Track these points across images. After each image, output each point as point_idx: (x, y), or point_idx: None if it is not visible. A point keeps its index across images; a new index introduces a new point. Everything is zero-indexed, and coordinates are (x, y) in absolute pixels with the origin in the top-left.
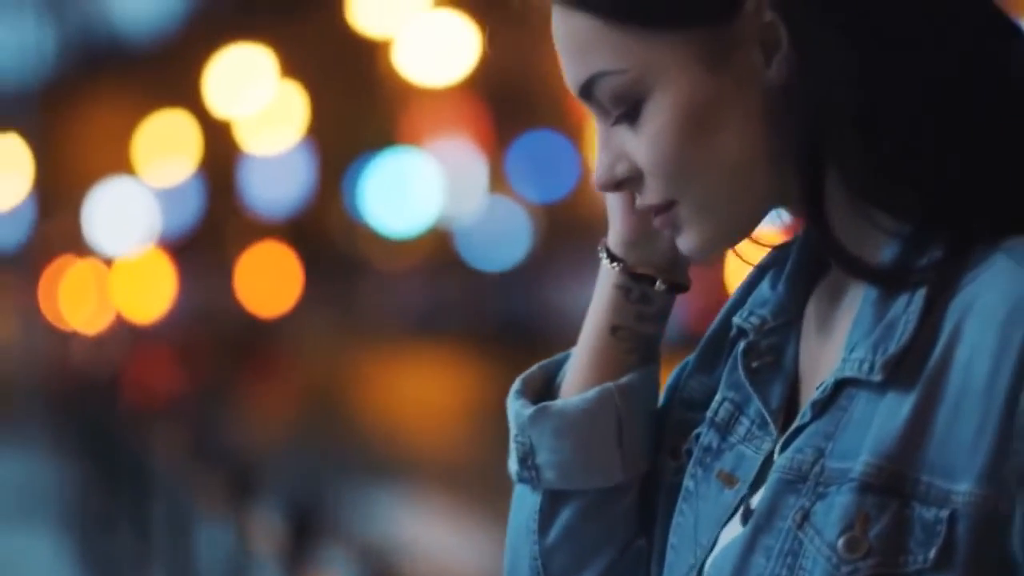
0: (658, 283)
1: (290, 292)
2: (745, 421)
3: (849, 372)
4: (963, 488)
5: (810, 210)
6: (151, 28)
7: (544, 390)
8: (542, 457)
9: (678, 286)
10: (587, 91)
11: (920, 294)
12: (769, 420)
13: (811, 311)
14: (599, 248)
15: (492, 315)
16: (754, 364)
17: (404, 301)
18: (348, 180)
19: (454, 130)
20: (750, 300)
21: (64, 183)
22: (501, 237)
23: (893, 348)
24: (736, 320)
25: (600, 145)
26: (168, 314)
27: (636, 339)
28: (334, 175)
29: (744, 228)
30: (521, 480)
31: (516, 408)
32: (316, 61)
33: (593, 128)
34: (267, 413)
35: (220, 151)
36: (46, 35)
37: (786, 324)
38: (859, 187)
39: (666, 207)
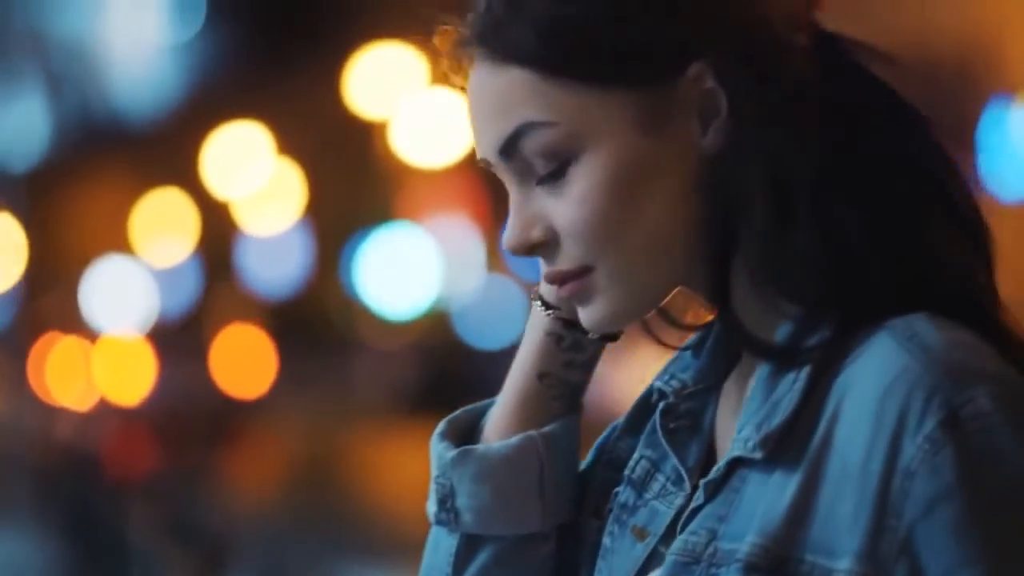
0: (590, 332)
1: (267, 372)
2: (660, 478)
3: (737, 451)
4: (843, 566)
5: (714, 283)
6: (148, 108)
7: (468, 434)
8: (461, 500)
9: (609, 335)
10: (511, 146)
11: (804, 373)
12: (684, 476)
13: (730, 384)
14: (532, 294)
15: (489, 394)
16: (671, 425)
17: (400, 380)
18: (345, 259)
19: (452, 208)
20: (673, 366)
21: (60, 262)
22: (499, 315)
23: (772, 426)
24: (657, 383)
25: (514, 209)
26: (150, 394)
27: (563, 386)
28: (331, 254)
29: (652, 302)
30: (439, 522)
31: (439, 450)
32: (313, 140)
33: None
34: (247, 492)
35: (217, 230)
36: (43, 115)
37: (705, 390)
38: (759, 267)
39: (580, 273)
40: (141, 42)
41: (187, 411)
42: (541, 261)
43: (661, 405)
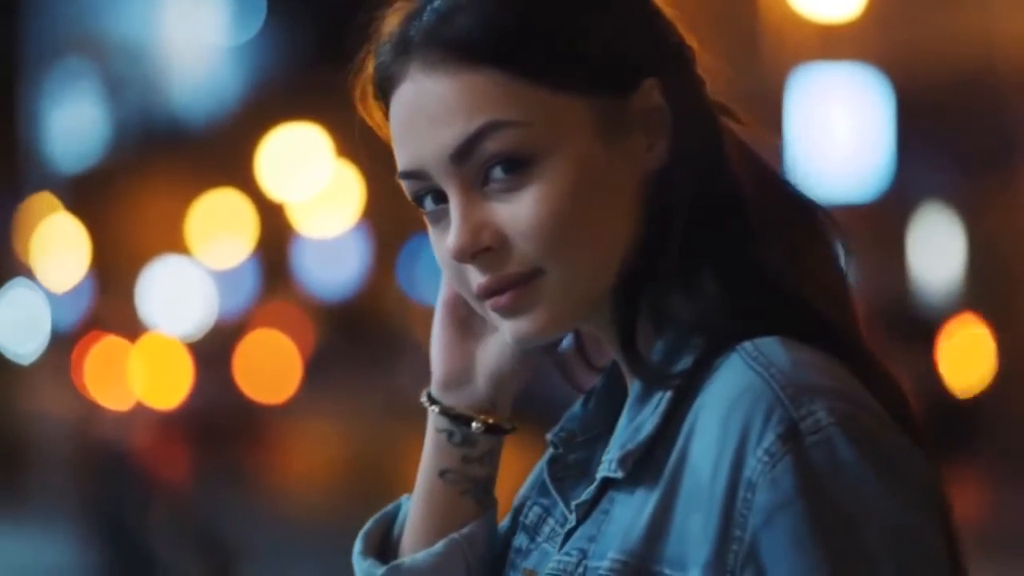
0: (475, 424)
1: (291, 377)
2: (551, 522)
3: (603, 472)
4: None
5: (629, 297)
6: (206, 109)
7: (383, 544)
8: None
9: (498, 428)
10: (468, 149)
11: (666, 397)
12: (568, 516)
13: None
14: (422, 393)
15: (546, 398)
16: (559, 474)
17: None
18: (402, 261)
19: None
20: (564, 417)
21: (117, 262)
22: None
23: (630, 447)
24: (549, 436)
25: (459, 214)
26: (187, 398)
27: (466, 481)
28: (388, 257)
29: (584, 314)
30: None
31: (365, 568)
32: (371, 142)
33: None
34: (286, 495)
35: (273, 232)
36: (102, 116)
37: (595, 438)
38: (660, 285)
39: (529, 277)
40: (200, 44)
41: (227, 413)
42: (472, 273)
43: (548, 454)
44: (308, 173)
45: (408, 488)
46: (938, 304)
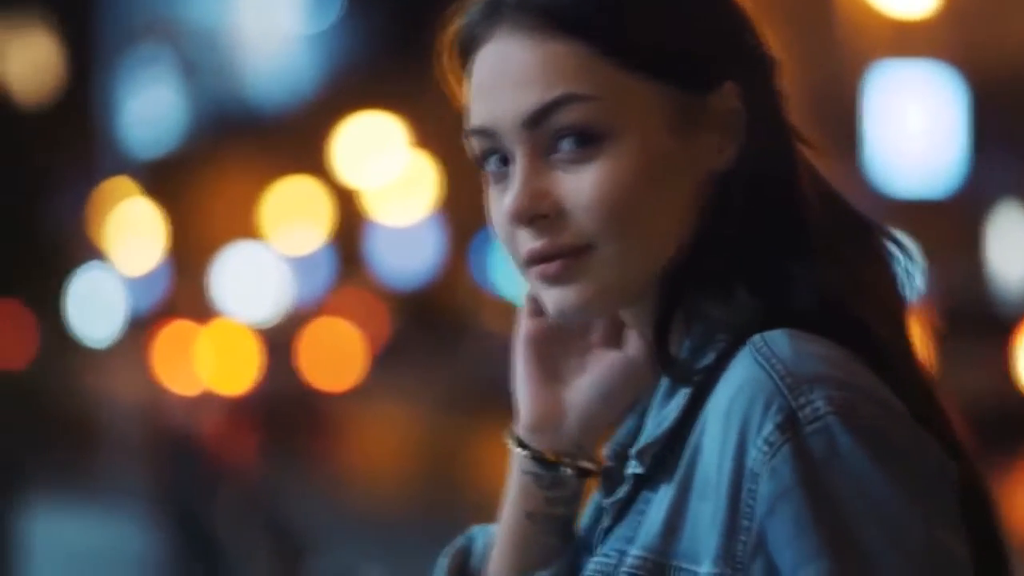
0: (563, 469)
1: (357, 365)
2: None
3: (631, 468)
4: (705, 570)
5: (673, 291)
6: (282, 96)
7: (465, 573)
8: None
9: (585, 470)
10: (542, 117)
11: (685, 393)
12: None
13: None
14: (507, 435)
15: None
16: (611, 487)
17: None
18: (476, 250)
19: None
20: (617, 432)
21: (194, 248)
22: None
23: (648, 440)
24: (603, 451)
25: (523, 178)
26: (256, 385)
27: (552, 522)
28: (462, 246)
29: (630, 297)
30: None
31: None
32: (449, 132)
33: None
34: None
35: (347, 219)
36: (178, 103)
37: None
38: (696, 283)
39: (581, 250)
40: (277, 31)
41: (294, 400)
42: (524, 238)
43: (604, 468)
44: (383, 161)
45: (472, 480)
46: (1013, 301)
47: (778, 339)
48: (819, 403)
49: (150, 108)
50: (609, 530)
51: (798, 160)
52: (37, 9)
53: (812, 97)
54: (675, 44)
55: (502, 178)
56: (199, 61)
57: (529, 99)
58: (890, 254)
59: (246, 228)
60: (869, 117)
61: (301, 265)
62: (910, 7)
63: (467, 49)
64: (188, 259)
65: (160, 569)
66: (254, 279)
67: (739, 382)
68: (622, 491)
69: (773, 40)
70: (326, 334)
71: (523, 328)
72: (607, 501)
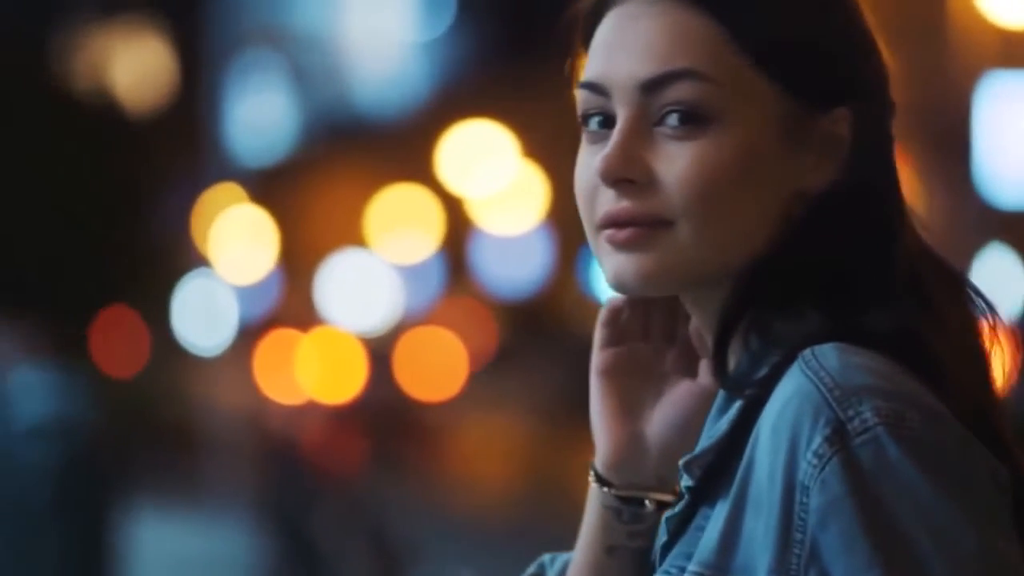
0: (647, 503)
1: (459, 375)
2: None
3: (683, 482)
4: None
5: (742, 302)
6: (393, 104)
7: None
8: None
9: (666, 503)
10: (660, 84)
11: (737, 406)
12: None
13: None
14: (590, 470)
15: None
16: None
17: None
18: (584, 261)
19: None
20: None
21: (301, 256)
22: None
23: (698, 451)
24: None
25: (622, 138)
26: (360, 393)
27: (631, 555)
28: (569, 257)
29: (694, 280)
30: None
31: None
32: (559, 143)
33: None
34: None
35: (454, 228)
36: (288, 110)
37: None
38: (764, 300)
39: (658, 222)
40: (388, 39)
41: (397, 409)
42: (604, 199)
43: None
44: (491, 170)
45: (573, 490)
46: None
47: (827, 352)
48: (867, 414)
49: (259, 115)
50: (668, 546)
51: (897, 201)
52: (146, 16)
53: (923, 108)
54: (805, 51)
55: (600, 138)
56: (308, 68)
57: (649, 64)
58: (975, 305)
59: (353, 236)
60: (979, 128)
61: (408, 273)
62: (1022, 18)
63: (598, 12)
64: (295, 267)
65: (264, 575)
66: (361, 288)
67: (787, 395)
68: (679, 506)
69: (896, 82)
70: (430, 343)
71: (596, 360)
72: (665, 516)
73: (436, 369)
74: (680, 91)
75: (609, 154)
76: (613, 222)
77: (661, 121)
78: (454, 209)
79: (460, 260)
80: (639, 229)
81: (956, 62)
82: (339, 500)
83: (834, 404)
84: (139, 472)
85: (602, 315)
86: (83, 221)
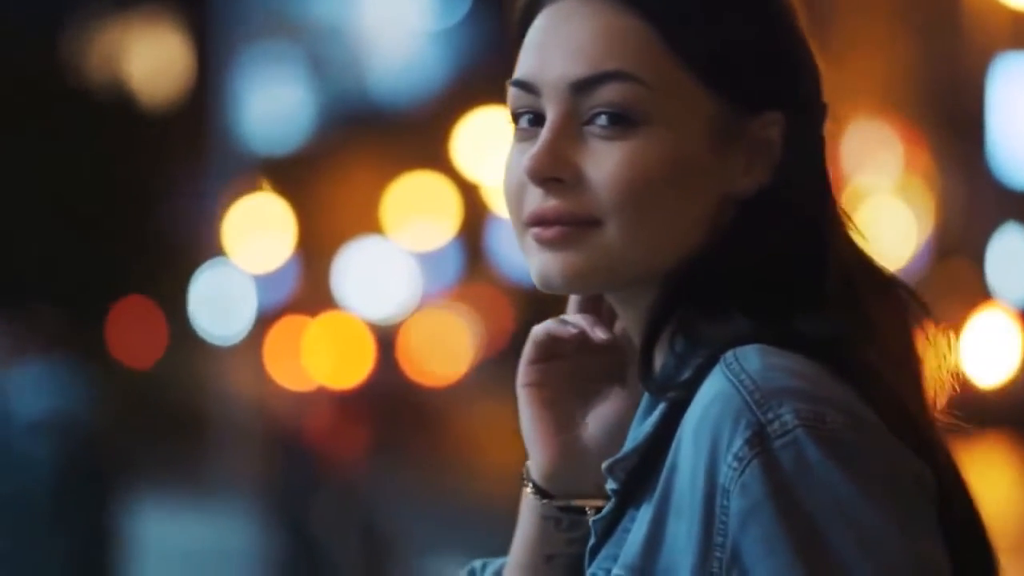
0: (587, 511)
1: (462, 359)
2: None
3: (607, 484)
4: None
5: (668, 306)
6: (409, 92)
7: None
8: None
9: (603, 508)
10: (590, 85)
11: (660, 408)
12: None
13: None
14: (523, 477)
15: None
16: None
17: None
18: None
19: None
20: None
21: (319, 244)
22: None
23: (621, 454)
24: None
25: (551, 137)
26: (367, 380)
27: (569, 559)
28: None
29: (619, 281)
30: None
31: None
32: None
33: None
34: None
35: (470, 215)
36: (305, 99)
37: None
38: (693, 302)
39: (585, 222)
40: (403, 27)
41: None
42: (532, 198)
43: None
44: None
45: None
46: None
47: (749, 354)
48: (787, 416)
49: (275, 104)
50: (596, 548)
51: (828, 205)
52: (161, 7)
53: (937, 91)
54: (736, 55)
55: (529, 136)
56: (324, 57)
57: (580, 65)
58: (908, 312)
59: (370, 224)
60: (992, 109)
61: (426, 260)
62: None
63: (532, 10)
64: (312, 255)
65: (271, 567)
66: (378, 275)
67: (709, 398)
68: (605, 509)
69: (828, 89)
70: (438, 328)
71: (523, 374)
72: (592, 519)
73: (443, 354)
74: (610, 92)
75: (537, 153)
76: (540, 220)
77: (591, 121)
78: (471, 196)
79: (477, 247)
80: (566, 228)
81: (969, 45)
82: (339, 489)
83: (754, 407)
84: (150, 464)
85: (538, 336)
86: (98, 213)
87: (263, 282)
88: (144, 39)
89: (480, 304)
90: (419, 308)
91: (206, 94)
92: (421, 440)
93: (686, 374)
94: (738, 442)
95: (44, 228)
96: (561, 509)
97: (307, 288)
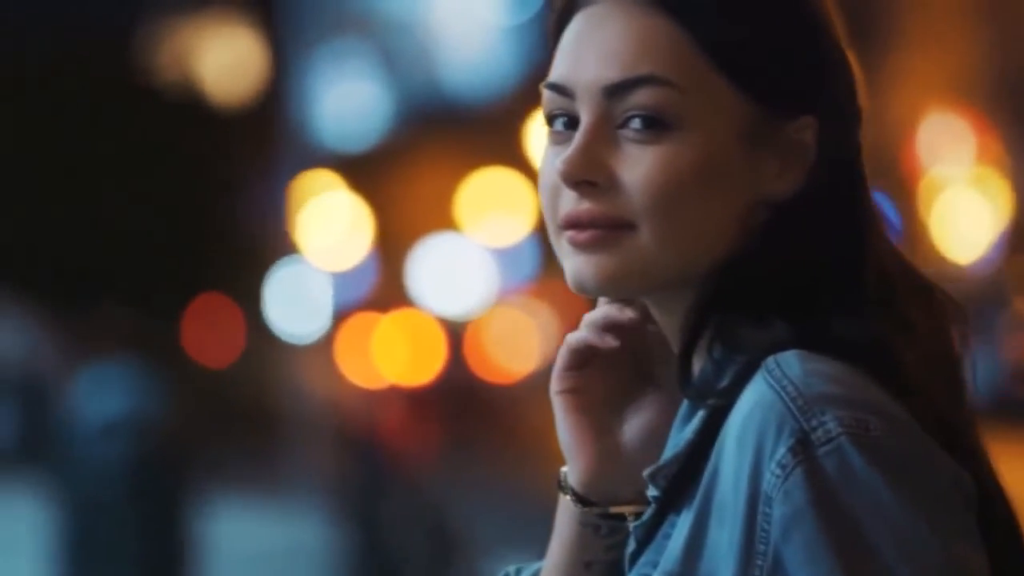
0: (628, 518)
1: (533, 355)
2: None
3: (648, 492)
4: None
5: (703, 310)
6: (482, 88)
7: None
8: None
9: (642, 514)
10: (623, 89)
11: (701, 415)
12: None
13: None
14: (560, 484)
15: None
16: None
17: None
18: None
19: None
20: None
21: (394, 242)
22: None
23: (663, 462)
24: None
25: (584, 141)
26: (438, 377)
27: (607, 566)
28: None
29: (655, 285)
30: None
31: None
32: None
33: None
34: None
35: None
36: (380, 96)
37: None
38: (730, 307)
39: (619, 225)
40: (478, 23)
41: (475, 391)
42: (566, 200)
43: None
44: None
45: None
46: None
47: (790, 360)
48: (831, 424)
49: (349, 101)
50: (636, 555)
51: (864, 209)
52: (234, 5)
53: (1010, 81)
54: (770, 58)
55: (564, 139)
56: (398, 53)
57: (613, 69)
58: (947, 316)
59: (445, 220)
60: None
61: (502, 256)
62: None
63: (568, 13)
64: (388, 252)
65: (342, 565)
66: (454, 271)
67: (751, 405)
68: (646, 515)
69: (864, 97)
70: (513, 324)
71: (556, 381)
72: (632, 525)
73: (515, 351)
74: (643, 96)
75: (570, 156)
76: (575, 223)
77: (624, 124)
78: None
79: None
80: (600, 231)
81: None
82: (409, 488)
83: (797, 414)
84: (225, 464)
85: (573, 342)
86: (173, 212)
87: (339, 280)
88: (217, 38)
89: (557, 300)
90: (496, 304)
91: (280, 91)
92: (492, 437)
93: (725, 380)
94: (781, 449)
95: (119, 227)
96: (600, 516)
97: (382, 285)
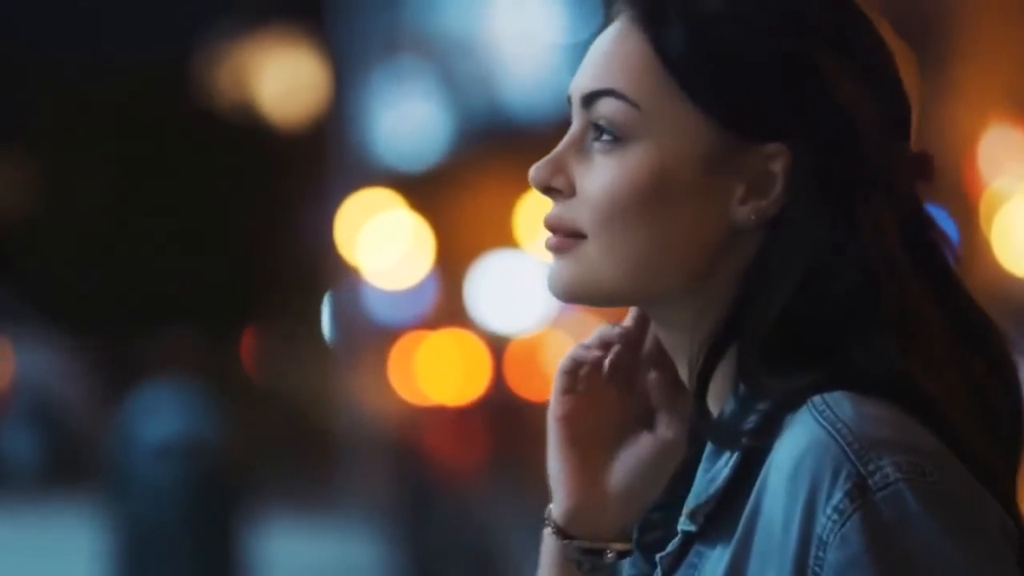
0: (608, 554)
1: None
2: None
3: (681, 525)
4: None
5: (712, 346)
6: (540, 106)
7: None
8: None
9: (626, 552)
10: (590, 100)
11: (735, 455)
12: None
13: None
14: (545, 518)
15: None
16: (647, 539)
17: None
18: None
19: None
20: None
21: (452, 259)
22: None
23: (701, 499)
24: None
25: (559, 149)
26: (482, 397)
27: None
28: None
29: (609, 302)
30: None
31: None
32: None
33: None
34: None
35: None
36: (440, 114)
37: (679, 496)
38: (741, 344)
39: (573, 233)
40: (537, 42)
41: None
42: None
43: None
44: None
45: None
46: None
47: (839, 401)
48: (888, 469)
49: (407, 121)
50: None
51: (874, 242)
52: (292, 26)
53: None
54: (735, 82)
55: None
56: (457, 72)
57: (591, 80)
58: (1000, 356)
59: (504, 238)
60: None
61: None
62: None
63: (603, 28)
64: (447, 270)
65: None
66: (514, 289)
67: (804, 445)
68: (671, 546)
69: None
70: (562, 344)
71: (554, 406)
72: (659, 556)
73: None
74: (603, 108)
75: (540, 162)
76: (547, 227)
77: (596, 136)
78: None
79: None
80: (559, 237)
81: None
82: (456, 507)
83: (854, 458)
84: (281, 484)
85: (563, 363)
86: (233, 234)
87: (399, 298)
88: (275, 59)
89: (618, 317)
90: (552, 323)
91: (339, 112)
92: (538, 458)
93: (751, 421)
94: (838, 494)
95: (178, 249)
96: (580, 551)
97: (441, 303)
